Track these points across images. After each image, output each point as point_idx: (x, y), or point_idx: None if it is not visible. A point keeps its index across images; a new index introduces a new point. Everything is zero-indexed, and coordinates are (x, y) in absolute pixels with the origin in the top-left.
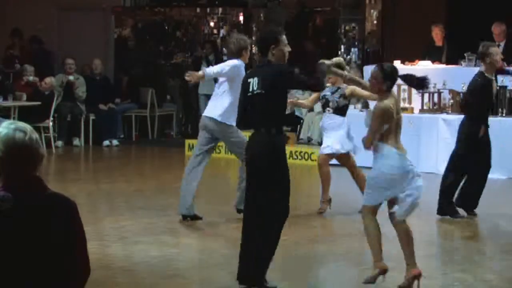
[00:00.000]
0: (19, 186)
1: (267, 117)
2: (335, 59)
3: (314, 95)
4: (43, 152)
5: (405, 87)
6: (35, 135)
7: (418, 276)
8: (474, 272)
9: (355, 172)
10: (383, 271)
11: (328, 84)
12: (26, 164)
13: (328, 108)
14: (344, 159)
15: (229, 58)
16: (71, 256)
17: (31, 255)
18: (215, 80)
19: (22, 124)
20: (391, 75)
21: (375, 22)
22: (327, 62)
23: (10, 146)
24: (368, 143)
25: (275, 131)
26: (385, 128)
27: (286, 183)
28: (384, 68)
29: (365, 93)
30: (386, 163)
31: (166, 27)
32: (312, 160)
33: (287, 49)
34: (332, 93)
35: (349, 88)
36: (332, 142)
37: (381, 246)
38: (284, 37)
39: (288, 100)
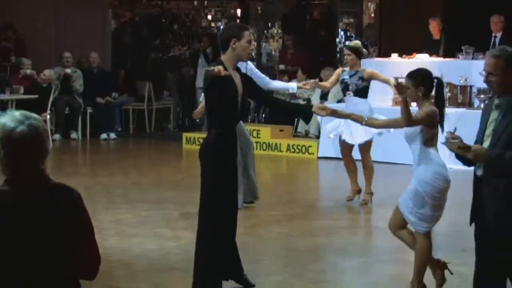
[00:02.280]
0: (24, 179)
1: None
2: (353, 42)
3: (333, 77)
4: (47, 146)
5: (403, 80)
6: (42, 129)
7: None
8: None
9: (367, 160)
10: None
11: (346, 68)
12: (30, 158)
13: (348, 92)
14: (366, 146)
15: None
16: (80, 245)
17: (40, 248)
18: None
19: (28, 117)
20: (423, 80)
21: (372, 15)
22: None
23: (12, 141)
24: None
25: (210, 131)
26: (429, 134)
27: (206, 184)
28: (413, 75)
29: (384, 77)
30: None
31: (164, 20)
32: (309, 154)
33: (251, 46)
34: (351, 76)
35: (367, 71)
36: (357, 133)
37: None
38: (248, 32)
39: (310, 81)
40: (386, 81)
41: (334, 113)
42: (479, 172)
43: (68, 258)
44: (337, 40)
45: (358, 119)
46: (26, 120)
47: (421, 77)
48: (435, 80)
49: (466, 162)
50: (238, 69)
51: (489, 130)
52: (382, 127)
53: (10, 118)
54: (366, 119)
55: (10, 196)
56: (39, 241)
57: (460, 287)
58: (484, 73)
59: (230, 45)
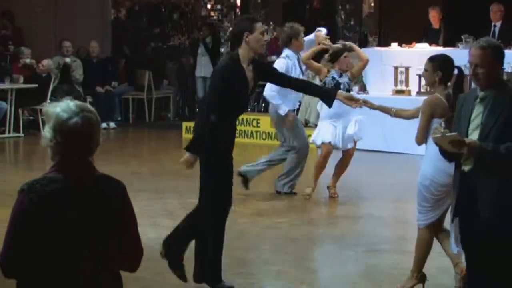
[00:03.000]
0: (71, 168)
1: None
2: (335, 46)
3: (314, 61)
4: (98, 137)
5: (403, 69)
6: (95, 121)
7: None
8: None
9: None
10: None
11: (332, 70)
12: (81, 149)
13: (340, 91)
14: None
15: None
16: (124, 237)
17: (86, 237)
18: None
19: (83, 109)
20: (442, 65)
21: (372, 4)
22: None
23: (65, 131)
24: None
25: (211, 119)
26: (436, 123)
27: (208, 173)
28: (434, 58)
29: (359, 65)
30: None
31: (163, 10)
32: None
33: (265, 38)
34: (340, 76)
35: (350, 72)
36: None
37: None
38: (260, 24)
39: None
40: (362, 66)
41: (366, 104)
42: (467, 167)
43: (111, 248)
44: (339, 26)
45: (386, 111)
46: (81, 112)
47: (440, 62)
48: (456, 70)
49: (450, 157)
50: (253, 61)
51: (474, 124)
52: (411, 118)
53: (65, 108)
54: (394, 110)
55: (61, 183)
56: (85, 230)
57: None
58: (470, 65)
59: (243, 39)
